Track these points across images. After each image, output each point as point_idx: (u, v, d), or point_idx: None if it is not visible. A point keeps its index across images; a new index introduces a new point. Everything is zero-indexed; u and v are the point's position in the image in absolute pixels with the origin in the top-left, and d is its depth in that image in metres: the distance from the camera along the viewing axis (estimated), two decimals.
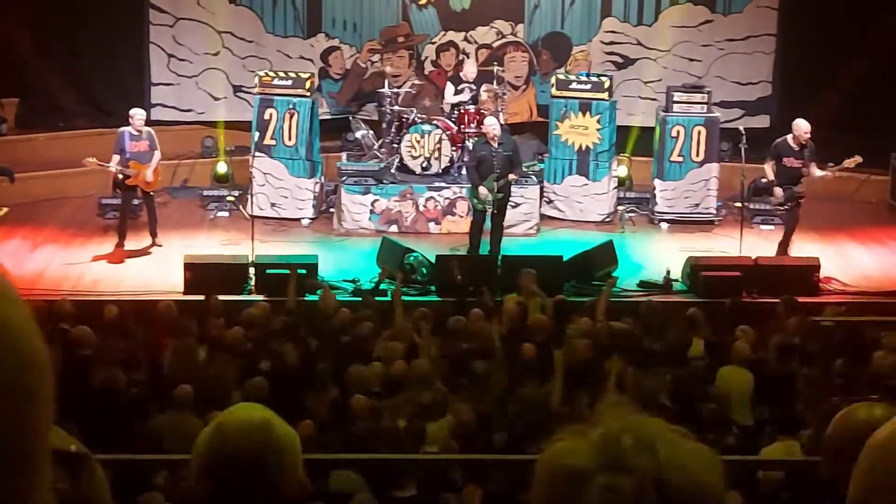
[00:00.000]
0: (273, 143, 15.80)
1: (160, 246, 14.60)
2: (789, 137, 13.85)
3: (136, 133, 14.40)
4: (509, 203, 14.45)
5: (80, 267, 13.98)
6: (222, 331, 10.64)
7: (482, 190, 13.93)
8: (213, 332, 10.63)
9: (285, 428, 2.23)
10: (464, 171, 15.13)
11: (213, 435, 2.20)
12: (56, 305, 11.13)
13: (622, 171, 16.67)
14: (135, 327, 10.97)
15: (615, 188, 16.23)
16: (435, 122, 15.71)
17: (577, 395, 9.05)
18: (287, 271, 12.31)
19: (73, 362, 9.41)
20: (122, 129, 14.51)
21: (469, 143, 15.18)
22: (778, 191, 13.86)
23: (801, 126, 13.76)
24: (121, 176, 14.33)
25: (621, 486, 1.39)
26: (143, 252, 14.51)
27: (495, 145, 14.05)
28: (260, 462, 2.16)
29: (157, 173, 14.56)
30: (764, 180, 16.33)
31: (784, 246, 14.11)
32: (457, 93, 15.94)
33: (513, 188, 14.45)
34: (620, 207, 16.17)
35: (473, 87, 15.93)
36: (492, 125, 14.26)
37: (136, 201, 14.78)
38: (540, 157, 16.63)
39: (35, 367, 1.29)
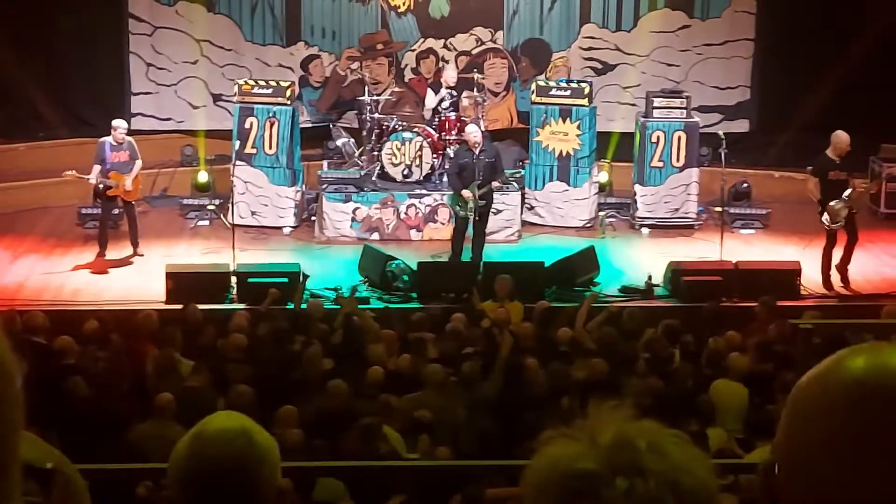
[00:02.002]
0: (254, 151, 15.77)
1: (141, 255, 14.55)
2: (828, 151, 13.48)
3: (117, 143, 14.36)
4: (491, 210, 14.46)
5: (61, 277, 13.94)
6: (209, 339, 10.63)
7: (466, 193, 13.90)
8: (197, 341, 10.61)
9: (264, 435, 2.23)
10: (445, 179, 15.13)
11: (190, 443, 2.20)
12: (28, 316, 11.07)
13: (603, 176, 16.73)
14: (116, 337, 10.93)
15: (596, 194, 16.27)
16: (416, 129, 15.72)
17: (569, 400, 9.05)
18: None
19: (49, 372, 9.36)
20: (102, 139, 14.47)
21: (450, 151, 15.19)
22: (831, 206, 13.38)
23: (843, 137, 13.39)
24: (101, 186, 14.29)
25: (640, 489, 1.40)
26: (125, 262, 14.47)
27: (477, 152, 14.06)
28: (238, 470, 2.16)
29: (137, 183, 14.53)
30: (743, 185, 16.46)
31: (844, 265, 13.68)
32: (437, 99, 15.95)
33: (494, 195, 14.47)
34: (601, 213, 16.20)
35: (454, 93, 15.95)
36: (473, 132, 14.27)
37: (116, 211, 14.77)
38: (521, 163, 16.64)
39: (4, 375, 1.30)
